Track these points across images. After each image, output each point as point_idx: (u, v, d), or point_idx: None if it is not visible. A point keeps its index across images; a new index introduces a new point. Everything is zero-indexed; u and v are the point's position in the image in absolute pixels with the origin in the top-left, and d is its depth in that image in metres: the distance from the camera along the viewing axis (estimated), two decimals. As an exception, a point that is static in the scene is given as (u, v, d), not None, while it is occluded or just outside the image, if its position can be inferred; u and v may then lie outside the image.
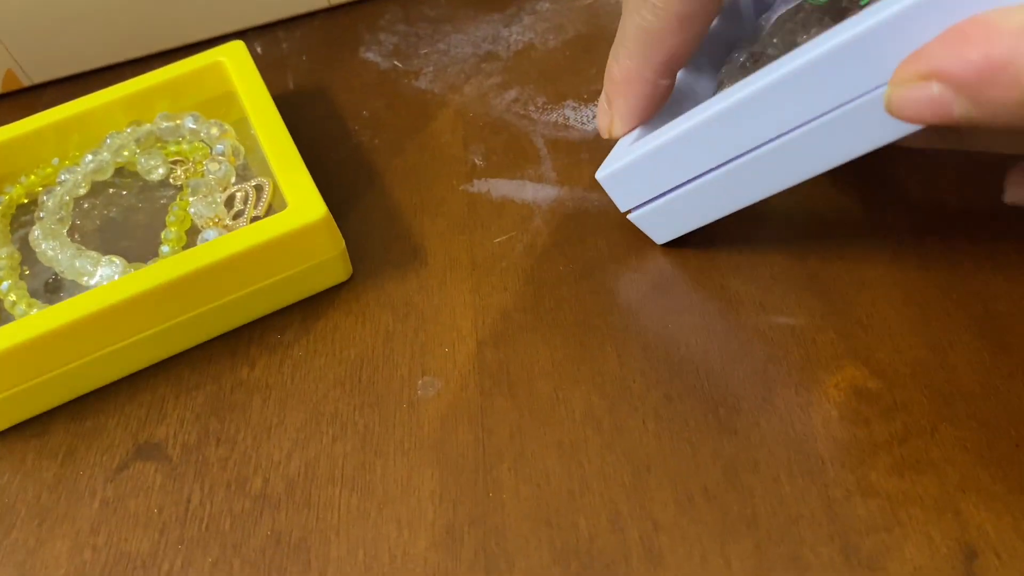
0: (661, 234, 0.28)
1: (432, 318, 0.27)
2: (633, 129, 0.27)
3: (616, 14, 0.37)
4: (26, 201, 0.34)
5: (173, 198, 0.33)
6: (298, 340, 0.28)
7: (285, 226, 0.27)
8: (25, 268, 0.31)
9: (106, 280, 0.28)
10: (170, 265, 0.27)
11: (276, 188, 0.31)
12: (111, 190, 0.34)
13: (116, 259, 0.29)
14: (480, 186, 0.31)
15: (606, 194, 0.27)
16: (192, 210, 0.30)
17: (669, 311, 0.26)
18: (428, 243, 0.30)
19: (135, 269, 0.28)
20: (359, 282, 0.29)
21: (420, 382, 0.26)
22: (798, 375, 0.24)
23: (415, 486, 0.23)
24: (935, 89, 0.19)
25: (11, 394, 0.26)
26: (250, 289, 0.28)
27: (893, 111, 0.20)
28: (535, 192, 0.31)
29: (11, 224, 0.33)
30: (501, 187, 0.31)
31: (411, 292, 0.28)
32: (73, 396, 0.27)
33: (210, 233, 0.29)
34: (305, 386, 0.26)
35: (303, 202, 0.28)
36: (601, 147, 0.31)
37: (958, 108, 0.18)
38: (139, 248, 0.31)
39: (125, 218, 0.33)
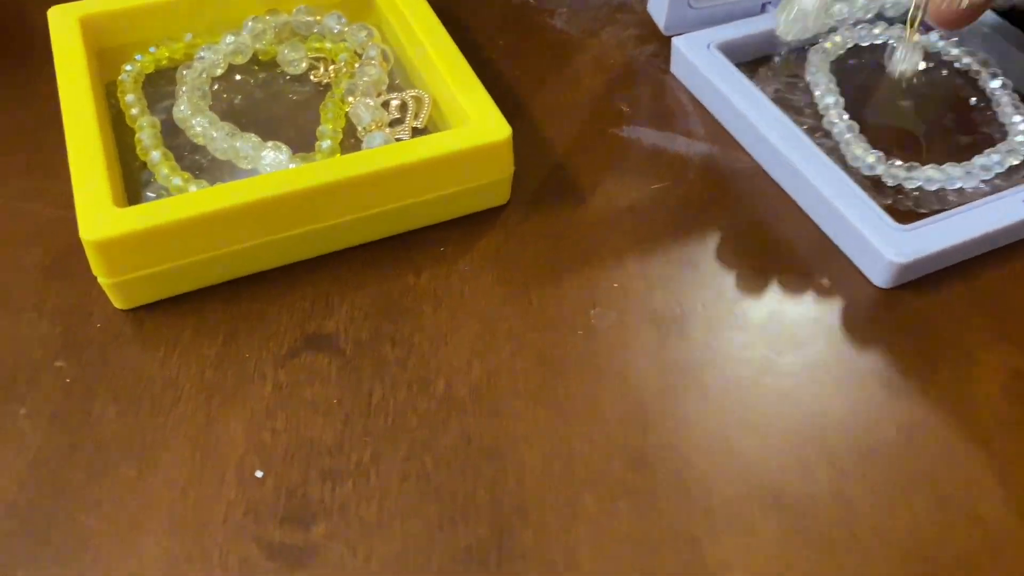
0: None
1: (594, 253, 0.28)
2: None
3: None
4: (152, 71, 0.32)
5: (307, 94, 0.32)
6: (462, 256, 0.28)
7: (467, 141, 0.27)
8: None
9: (274, 166, 0.28)
10: (345, 163, 0.26)
11: (435, 103, 0.31)
12: (238, 77, 0.33)
13: (282, 145, 0.28)
14: (630, 132, 0.32)
15: (755, 157, 0.30)
16: (349, 111, 0.30)
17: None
18: (582, 180, 0.30)
19: (302, 159, 0.28)
20: (515, 208, 0.29)
21: (593, 312, 0.26)
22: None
23: (602, 409, 0.24)
24: None
25: (168, 268, 0.26)
26: (419, 199, 0.28)
27: None
28: (687, 146, 0.31)
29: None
30: (651, 136, 0.32)
31: (569, 226, 0.29)
32: (228, 279, 0.27)
33: (377, 137, 0.29)
34: (475, 301, 0.26)
35: (486, 119, 0.28)
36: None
37: None
38: (287, 139, 0.30)
39: (254, 107, 0.32)
